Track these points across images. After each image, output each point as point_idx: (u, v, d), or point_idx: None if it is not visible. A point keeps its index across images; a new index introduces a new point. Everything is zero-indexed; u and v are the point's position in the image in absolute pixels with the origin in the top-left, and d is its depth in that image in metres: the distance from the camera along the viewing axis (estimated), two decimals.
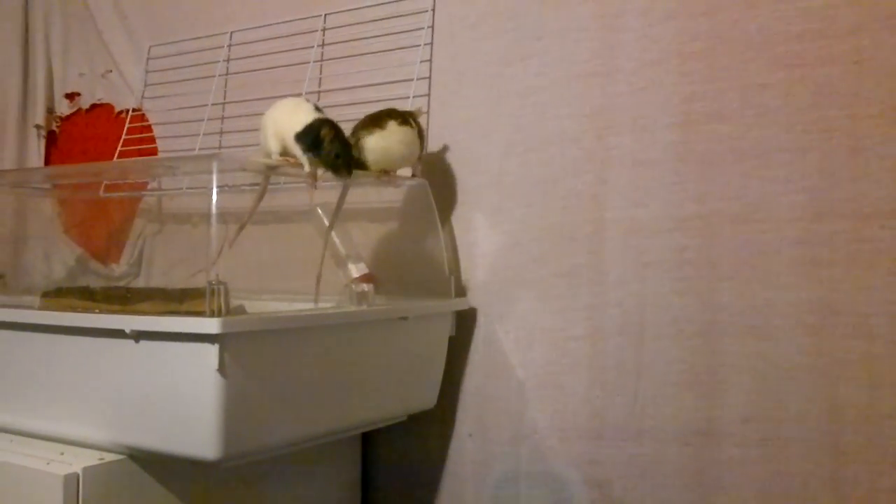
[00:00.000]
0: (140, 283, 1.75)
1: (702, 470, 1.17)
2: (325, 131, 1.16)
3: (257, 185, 1.41)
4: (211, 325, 0.95)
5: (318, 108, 1.20)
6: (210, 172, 1.08)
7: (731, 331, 1.15)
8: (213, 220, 1.04)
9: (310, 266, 1.43)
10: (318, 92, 1.54)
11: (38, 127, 1.98)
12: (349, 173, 1.18)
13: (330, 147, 1.15)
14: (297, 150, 1.17)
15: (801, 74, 1.13)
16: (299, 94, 1.19)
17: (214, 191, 1.05)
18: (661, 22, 1.23)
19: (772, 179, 1.14)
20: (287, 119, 1.19)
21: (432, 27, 1.43)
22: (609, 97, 1.26)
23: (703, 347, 1.17)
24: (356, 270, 1.30)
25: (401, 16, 1.46)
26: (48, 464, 1.03)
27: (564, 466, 1.27)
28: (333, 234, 1.32)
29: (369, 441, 1.44)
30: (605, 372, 1.24)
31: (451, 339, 1.34)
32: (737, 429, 1.15)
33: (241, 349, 0.98)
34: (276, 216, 1.55)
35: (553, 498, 1.28)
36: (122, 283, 1.75)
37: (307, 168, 1.17)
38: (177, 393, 1.00)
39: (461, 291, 1.37)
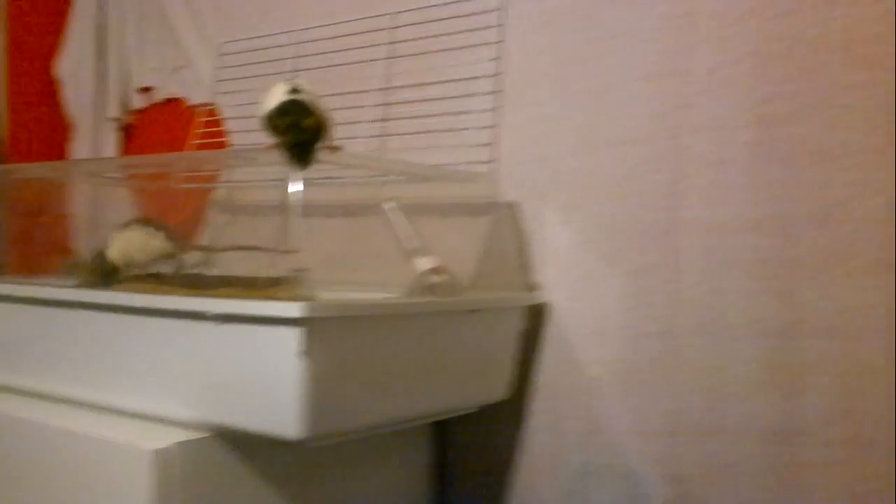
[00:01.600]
0: (213, 272, 1.79)
1: (782, 469, 1.17)
2: (278, 119, 1.05)
3: (331, 178, 1.45)
4: (295, 309, 0.98)
5: (295, 90, 1.07)
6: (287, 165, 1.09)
7: (811, 331, 1.15)
8: (295, 209, 1.06)
9: (377, 259, 1.46)
10: (386, 89, 1.56)
11: (112, 120, 2.04)
12: (302, 166, 1.05)
13: (285, 139, 1.04)
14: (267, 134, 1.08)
15: (882, 76, 1.12)
16: (289, 80, 1.11)
17: (295, 181, 1.07)
18: (736, 23, 1.23)
19: (851, 182, 1.13)
20: (263, 104, 1.09)
21: (502, 25, 1.44)
22: (683, 97, 1.26)
23: (783, 347, 1.17)
24: (424, 264, 1.32)
25: (470, 14, 1.47)
26: (138, 439, 1.07)
27: (639, 462, 1.27)
28: (402, 227, 1.34)
29: (443, 431, 1.46)
30: (681, 370, 1.24)
31: (522, 333, 1.35)
32: (819, 429, 1.14)
33: (323, 333, 1.01)
34: (345, 209, 1.58)
35: (628, 492, 1.28)
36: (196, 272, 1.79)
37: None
38: (261, 374, 1.03)
39: (532, 286, 1.38)
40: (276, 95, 1.07)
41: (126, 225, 1.42)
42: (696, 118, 1.25)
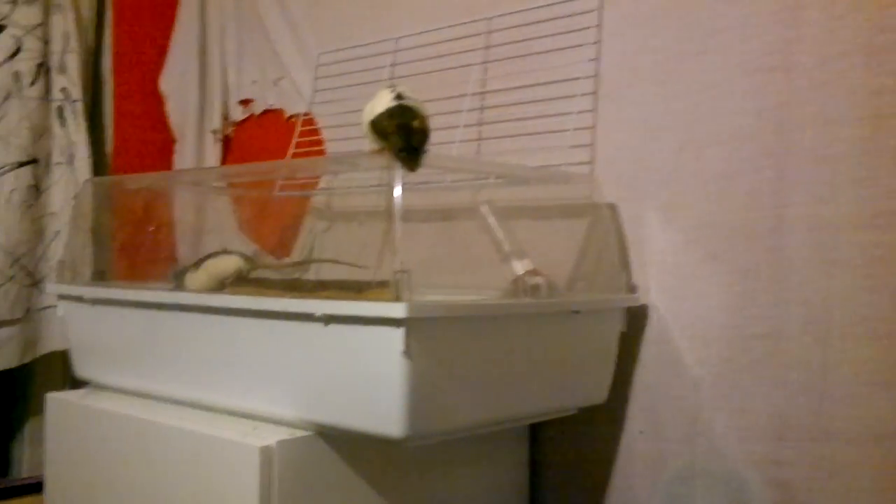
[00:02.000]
0: (310, 277, 1.82)
1: (895, 473, 1.12)
2: (387, 122, 1.07)
3: (429, 182, 1.46)
4: (398, 310, 0.99)
5: (400, 96, 1.10)
6: (392, 169, 1.11)
7: None
8: (398, 212, 1.07)
9: (474, 262, 1.47)
10: (483, 93, 1.57)
11: (214, 132, 2.10)
12: (413, 167, 1.06)
13: (394, 139, 1.06)
14: (372, 139, 1.11)
15: None
16: (392, 86, 1.13)
17: (398, 185, 1.08)
18: (844, 15, 1.19)
19: None
20: (369, 109, 1.12)
21: (599, 26, 1.43)
22: (789, 93, 1.23)
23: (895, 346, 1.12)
24: (521, 267, 1.32)
25: (567, 16, 1.47)
26: (244, 437, 1.09)
27: (743, 466, 1.24)
28: (499, 229, 1.34)
29: (539, 434, 1.45)
30: (788, 371, 1.21)
31: (622, 336, 1.34)
32: None
33: (425, 334, 1.02)
34: (442, 213, 1.59)
35: (731, 497, 1.25)
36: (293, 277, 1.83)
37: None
38: (365, 374, 1.04)
39: (632, 288, 1.36)
40: (383, 100, 1.10)
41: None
42: (803, 113, 1.22)
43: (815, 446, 1.19)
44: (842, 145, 1.18)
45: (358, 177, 1.70)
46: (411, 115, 1.08)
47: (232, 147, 2.12)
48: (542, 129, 1.45)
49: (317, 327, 1.08)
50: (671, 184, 1.34)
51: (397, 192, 1.05)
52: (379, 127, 1.08)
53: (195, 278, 1.42)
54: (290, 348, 1.13)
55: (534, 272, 1.29)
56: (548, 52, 1.47)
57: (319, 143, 1.85)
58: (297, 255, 1.88)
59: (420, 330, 1.01)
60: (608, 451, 1.39)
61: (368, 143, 1.19)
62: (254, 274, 1.49)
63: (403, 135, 1.06)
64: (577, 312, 1.25)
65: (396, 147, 1.06)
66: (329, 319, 1.07)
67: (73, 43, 1.97)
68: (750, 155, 1.26)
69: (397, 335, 1.00)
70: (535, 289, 1.24)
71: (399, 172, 1.08)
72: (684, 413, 1.31)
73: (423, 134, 1.08)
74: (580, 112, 1.41)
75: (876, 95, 1.16)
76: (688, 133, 1.33)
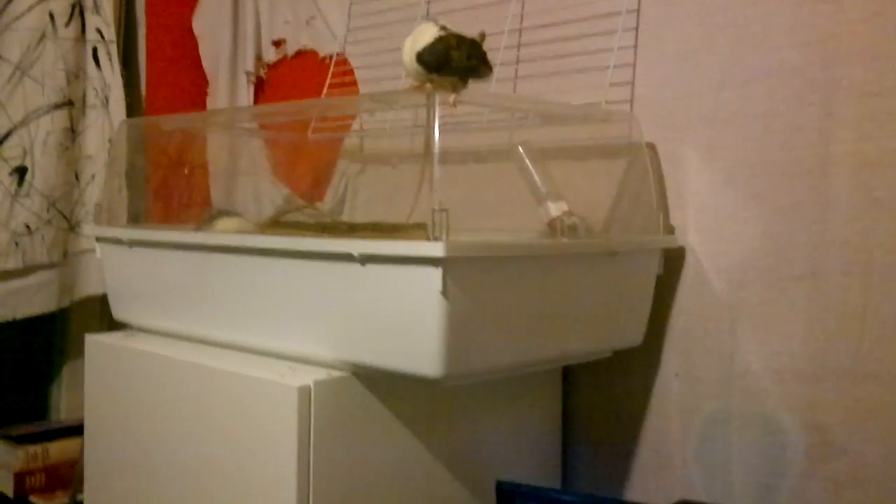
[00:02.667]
0: (344, 220, 1.82)
1: None
2: (446, 43, 1.10)
3: (465, 122, 1.44)
4: (436, 249, 0.98)
5: (444, 28, 1.13)
6: (432, 106, 1.10)
7: None
8: (436, 150, 1.06)
9: (510, 203, 1.45)
10: (520, 29, 1.54)
11: (247, 73, 2.09)
12: (490, 68, 1.12)
13: (459, 53, 1.09)
14: (420, 72, 1.12)
15: None
16: (431, 20, 1.15)
17: (437, 122, 1.07)
18: None
19: None
20: (410, 44, 1.14)
21: None
22: (837, 24, 1.19)
23: None
24: (556, 209, 1.30)
25: None
26: (282, 377, 1.10)
27: (780, 409, 1.24)
28: (535, 171, 1.32)
29: (572, 377, 1.45)
30: (827, 313, 1.19)
31: (658, 278, 1.32)
32: None
33: (462, 273, 1.01)
34: (477, 155, 1.57)
35: (767, 440, 1.25)
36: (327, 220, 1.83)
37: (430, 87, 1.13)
38: (402, 314, 1.04)
39: (669, 229, 1.34)
40: (427, 33, 1.11)
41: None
42: (850, 47, 1.18)
43: (854, 389, 1.17)
44: (890, 80, 1.15)
45: (391, 118, 1.68)
46: (459, 36, 1.10)
47: (265, 89, 2.10)
48: (580, 66, 1.42)
49: (354, 267, 1.08)
50: (712, 122, 1.31)
51: (437, 130, 1.04)
52: (434, 56, 1.09)
53: None
54: (327, 289, 1.13)
55: (570, 213, 1.28)
56: None
57: (353, 84, 1.83)
58: (329, 198, 1.87)
59: (457, 269, 1.00)
60: (642, 394, 1.38)
61: (409, 80, 1.18)
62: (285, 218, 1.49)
63: (466, 47, 1.09)
64: (614, 254, 1.23)
65: (465, 58, 1.09)
66: (366, 259, 1.06)
67: None
68: (795, 90, 1.23)
69: (435, 274, 0.99)
70: (571, 229, 1.23)
71: (437, 111, 1.07)
72: (720, 356, 1.30)
73: (481, 47, 1.11)
74: (620, 48, 1.38)
75: None
76: (730, 69, 1.29)
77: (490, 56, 1.18)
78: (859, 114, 1.17)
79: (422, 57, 1.11)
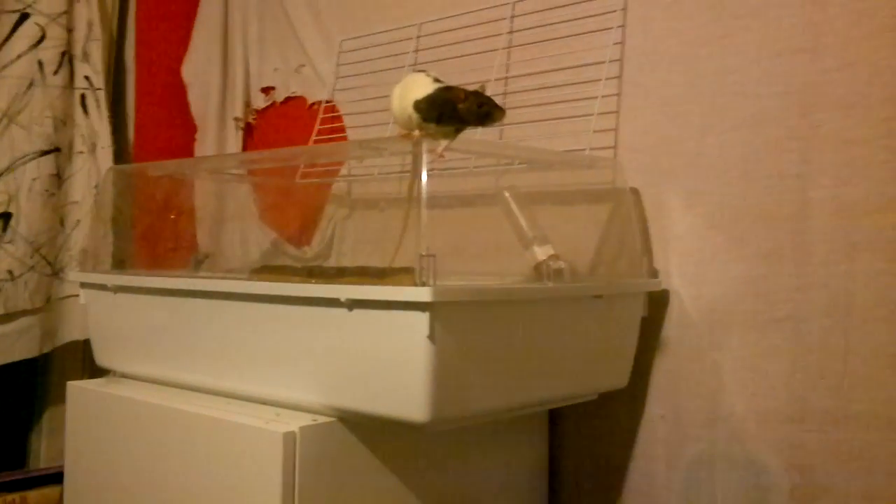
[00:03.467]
0: (332, 264, 1.83)
1: None
2: (453, 95, 1.12)
3: (451, 168, 1.46)
4: (423, 294, 0.99)
5: (437, 80, 1.15)
6: (419, 154, 1.11)
7: None
8: (424, 195, 1.07)
9: (495, 248, 1.46)
10: (506, 78, 1.56)
11: (236, 119, 2.10)
12: (503, 111, 1.14)
13: (467, 104, 1.11)
14: (414, 121, 1.14)
15: None
16: (422, 71, 1.18)
17: (424, 170, 1.08)
18: None
19: None
20: (400, 93, 1.16)
21: (625, 9, 1.42)
22: (814, 74, 1.22)
23: None
24: (542, 252, 1.31)
25: (591, 0, 1.46)
26: (267, 423, 1.10)
27: (763, 450, 1.24)
28: (521, 215, 1.33)
29: (558, 419, 1.46)
30: (809, 355, 1.21)
31: (643, 320, 1.33)
32: None
33: (450, 318, 1.02)
34: (463, 200, 1.58)
35: (751, 481, 1.25)
36: (314, 265, 1.83)
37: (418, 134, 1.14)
38: (389, 359, 1.05)
39: (653, 273, 1.36)
40: (421, 83, 1.14)
41: None
42: (828, 96, 1.21)
43: (836, 430, 1.18)
44: (867, 128, 1.18)
45: (378, 164, 1.70)
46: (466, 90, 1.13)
47: (254, 135, 2.12)
48: (565, 113, 1.45)
49: (341, 312, 1.08)
50: (694, 168, 1.33)
51: (424, 176, 1.05)
52: (436, 106, 1.11)
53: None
54: (314, 334, 1.13)
55: (555, 257, 1.29)
56: (571, 36, 1.47)
57: (342, 130, 1.85)
58: (317, 242, 1.88)
59: (445, 314, 1.01)
60: (628, 436, 1.39)
61: (396, 128, 1.19)
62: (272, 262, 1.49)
63: (473, 97, 1.11)
64: (599, 297, 1.24)
65: (474, 108, 1.11)
66: (353, 304, 1.07)
67: (97, 31, 1.97)
68: (774, 138, 1.25)
69: (422, 319, 1.00)
70: (557, 273, 1.24)
71: (425, 158, 1.08)
72: (704, 398, 1.31)
73: (486, 95, 1.14)
74: (604, 96, 1.40)
75: None
76: (711, 117, 1.32)
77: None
78: (837, 160, 1.20)
79: (419, 106, 1.13)
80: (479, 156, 1.46)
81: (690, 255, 1.33)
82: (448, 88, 1.13)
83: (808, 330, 1.21)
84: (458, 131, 1.15)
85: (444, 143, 1.14)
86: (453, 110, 1.12)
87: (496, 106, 1.14)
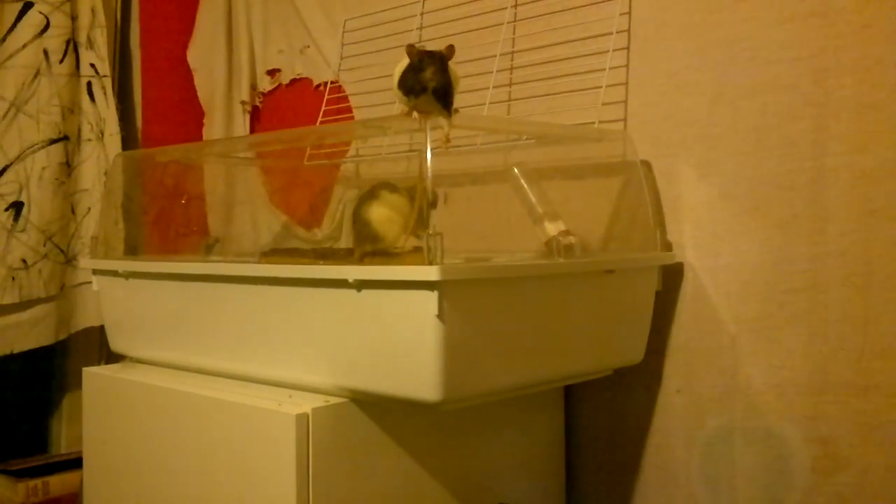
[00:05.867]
0: (342, 246, 1.82)
1: None
2: (414, 67, 1.06)
3: (460, 146, 1.44)
4: (431, 273, 0.98)
5: (430, 54, 1.09)
6: (424, 131, 1.09)
7: None
8: (429, 173, 1.06)
9: (506, 225, 1.45)
10: (512, 53, 1.54)
11: (242, 103, 2.09)
12: (449, 83, 1.07)
13: (425, 74, 1.06)
14: (401, 98, 1.10)
15: None
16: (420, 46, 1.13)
17: (429, 148, 1.07)
18: None
19: None
20: (398, 70, 1.11)
21: None
22: (827, 38, 1.20)
23: None
24: (553, 228, 1.29)
25: None
26: (280, 405, 1.09)
27: (783, 423, 1.23)
28: (530, 191, 1.31)
29: (573, 396, 1.44)
30: (828, 325, 1.19)
31: (657, 294, 1.32)
32: None
33: (458, 296, 1.00)
34: (472, 177, 1.57)
35: (771, 454, 1.24)
36: (325, 246, 1.82)
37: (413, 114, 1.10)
38: (398, 339, 1.04)
39: (667, 246, 1.34)
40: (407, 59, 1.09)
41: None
42: (842, 60, 1.18)
43: (857, 401, 1.17)
44: (883, 92, 1.15)
45: (386, 143, 1.69)
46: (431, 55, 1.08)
47: (261, 118, 2.11)
48: (573, 87, 1.42)
49: (350, 294, 1.07)
50: (706, 138, 1.31)
51: (428, 154, 1.04)
52: (409, 79, 1.07)
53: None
54: (324, 316, 1.13)
55: (566, 233, 1.27)
56: (577, 7, 1.44)
57: (348, 110, 1.83)
58: (327, 224, 1.87)
59: (454, 293, 0.99)
60: (644, 411, 1.38)
61: (398, 107, 1.18)
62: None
63: (431, 68, 1.06)
64: (611, 272, 1.23)
65: (428, 80, 1.05)
66: (362, 285, 1.06)
67: (100, 17, 1.97)
68: (787, 105, 1.23)
69: (431, 298, 0.99)
70: (568, 249, 1.22)
71: (430, 135, 1.07)
72: (721, 371, 1.29)
73: (445, 62, 1.08)
74: (612, 68, 1.38)
75: None
76: (721, 86, 1.30)
77: (483, 79, 1.18)
78: (853, 126, 1.17)
79: (402, 83, 1.10)
80: (486, 132, 1.44)
81: (704, 227, 1.31)
82: (411, 63, 1.08)
83: (826, 300, 1.19)
84: (447, 105, 1.09)
85: (445, 124, 1.11)
86: (420, 82, 1.07)
87: (443, 76, 1.07)
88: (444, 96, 1.08)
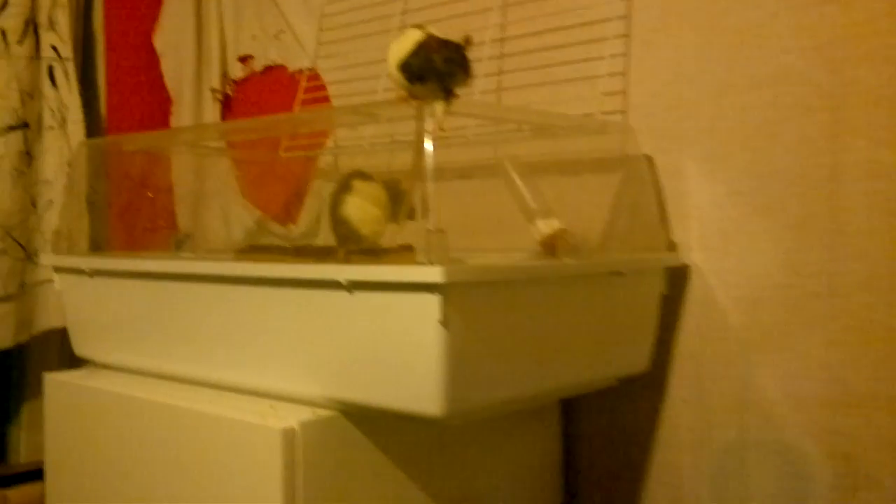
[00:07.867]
0: (320, 243, 1.73)
1: None
2: (427, 47, 1.00)
3: (453, 136, 1.37)
4: (434, 274, 0.90)
5: (430, 35, 1.04)
6: (421, 119, 1.01)
7: None
8: (429, 165, 0.98)
9: (498, 222, 1.38)
10: (502, 39, 1.47)
11: (213, 91, 2.00)
12: (468, 74, 1.02)
13: (438, 56, 1.00)
14: (401, 82, 1.03)
15: None
16: (418, 27, 1.05)
17: (427, 136, 0.99)
18: None
19: None
20: (395, 51, 1.04)
21: None
22: (844, 27, 1.14)
23: None
24: (546, 226, 1.22)
25: None
26: (263, 418, 1.01)
27: (801, 437, 1.17)
28: (523, 186, 1.24)
29: (574, 408, 1.38)
30: (848, 333, 1.13)
31: (662, 299, 1.25)
32: None
33: (463, 300, 0.93)
34: (461, 171, 1.49)
35: (788, 469, 1.18)
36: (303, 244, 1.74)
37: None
38: (396, 346, 0.96)
39: (671, 246, 1.28)
40: (412, 38, 1.02)
41: None
42: (860, 49, 1.13)
43: (881, 415, 1.11)
44: None
45: (368, 135, 1.60)
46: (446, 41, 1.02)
47: (232, 106, 2.02)
48: (568, 76, 1.35)
49: (340, 295, 0.99)
50: (713, 132, 1.25)
51: (429, 146, 0.95)
52: (416, 63, 1.00)
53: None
54: (310, 319, 1.04)
55: (560, 232, 1.20)
56: None
57: (326, 99, 1.76)
58: (304, 220, 1.78)
59: (458, 296, 0.91)
60: (649, 423, 1.31)
61: (389, 92, 1.10)
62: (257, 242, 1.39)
63: (446, 51, 1.00)
64: (620, 274, 1.15)
65: (441, 63, 1.00)
66: (355, 286, 0.98)
67: None
68: (800, 97, 1.17)
69: (433, 302, 0.91)
70: (574, 249, 1.15)
71: (427, 125, 0.99)
72: (731, 381, 1.23)
73: (463, 52, 1.03)
74: (611, 56, 1.32)
75: None
76: (729, 76, 1.24)
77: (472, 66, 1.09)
78: (871, 119, 1.12)
79: (408, 67, 1.02)
80: (477, 122, 1.37)
81: (713, 227, 1.25)
82: (423, 42, 1.02)
83: (846, 305, 1.14)
84: (449, 93, 1.03)
85: (439, 110, 1.03)
86: (431, 65, 1.00)
87: (462, 66, 1.01)
88: (450, 88, 1.01)
